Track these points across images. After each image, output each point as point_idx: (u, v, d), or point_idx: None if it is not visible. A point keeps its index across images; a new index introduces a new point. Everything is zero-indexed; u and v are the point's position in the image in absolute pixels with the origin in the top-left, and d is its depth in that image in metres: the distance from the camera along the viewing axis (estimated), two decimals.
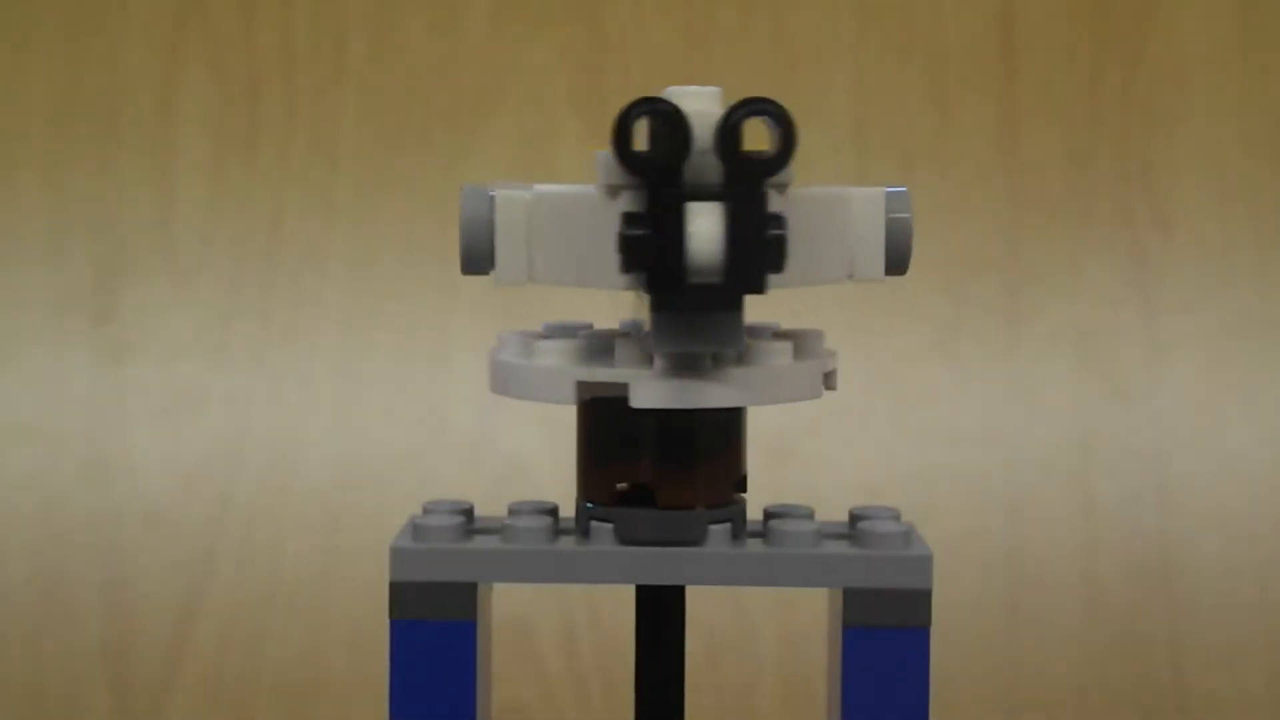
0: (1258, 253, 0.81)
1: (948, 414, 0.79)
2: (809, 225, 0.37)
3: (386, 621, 0.39)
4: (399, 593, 0.38)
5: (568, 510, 0.41)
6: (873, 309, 0.80)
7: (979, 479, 0.79)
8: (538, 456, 0.78)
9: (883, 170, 0.81)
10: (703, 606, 0.72)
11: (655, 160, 0.36)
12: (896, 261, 0.38)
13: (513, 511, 0.40)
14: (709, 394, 0.37)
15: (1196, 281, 0.81)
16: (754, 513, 0.40)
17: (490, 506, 0.44)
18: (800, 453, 0.78)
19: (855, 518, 0.40)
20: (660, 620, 0.41)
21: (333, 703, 0.75)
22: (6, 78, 0.81)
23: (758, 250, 0.36)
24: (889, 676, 0.38)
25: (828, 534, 0.40)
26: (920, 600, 0.38)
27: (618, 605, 0.74)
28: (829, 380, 0.39)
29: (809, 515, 0.40)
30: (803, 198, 0.37)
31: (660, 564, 0.38)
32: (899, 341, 0.80)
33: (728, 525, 0.39)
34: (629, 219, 0.36)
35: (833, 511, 0.42)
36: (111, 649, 0.76)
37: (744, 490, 0.40)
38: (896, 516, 0.40)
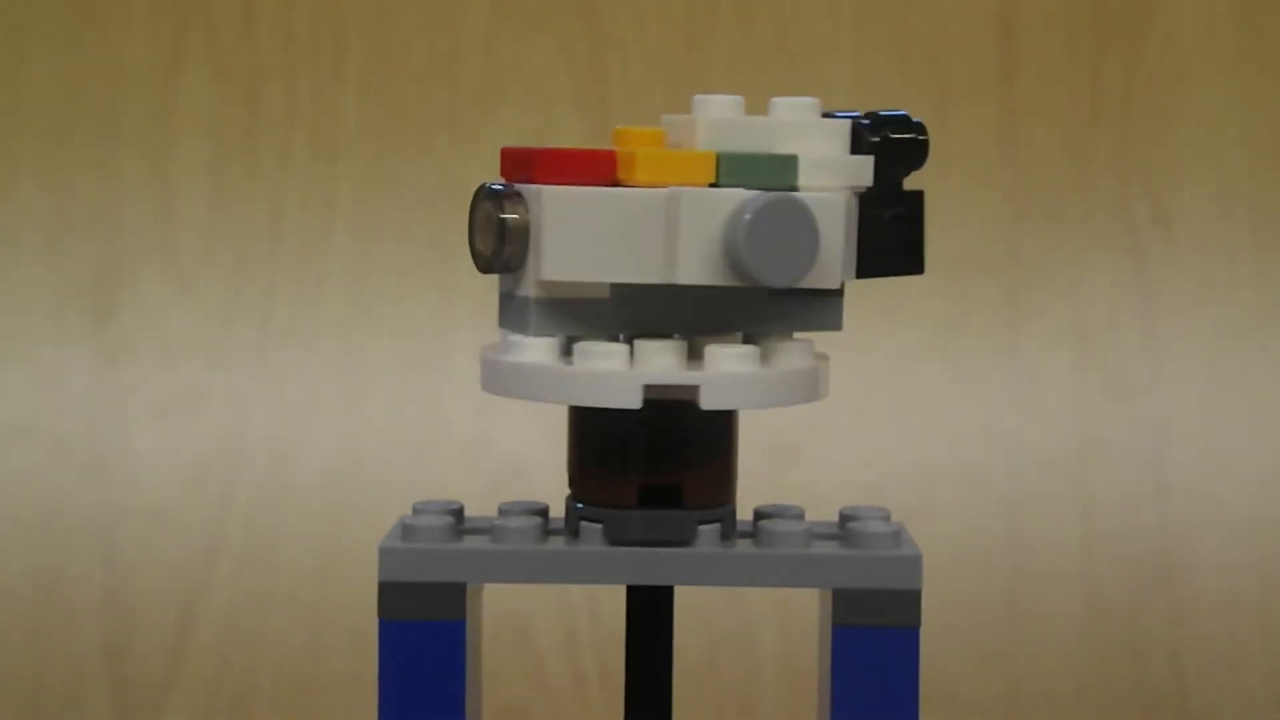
0: (1258, 253, 0.81)
1: (948, 414, 0.79)
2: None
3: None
4: (388, 593, 0.38)
5: (561, 510, 0.41)
6: (873, 309, 0.80)
7: (979, 479, 0.79)
8: (537, 457, 0.78)
9: None
10: (702, 605, 0.72)
11: None
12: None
13: (502, 512, 0.40)
14: (771, 394, 0.37)
15: (1196, 281, 0.80)
16: (745, 513, 0.40)
17: (489, 506, 0.44)
18: (800, 453, 0.78)
19: (845, 518, 0.40)
20: (650, 620, 0.41)
21: (333, 702, 0.75)
22: (6, 78, 0.81)
23: None
24: (879, 676, 0.38)
25: (818, 534, 0.40)
26: (910, 600, 0.38)
27: (617, 605, 0.73)
28: None
29: (799, 516, 0.40)
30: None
31: (649, 564, 0.38)
32: (899, 341, 0.80)
33: (717, 526, 0.39)
34: None
35: (834, 512, 0.42)
36: (111, 648, 0.76)
37: (733, 490, 0.40)
38: (886, 517, 0.40)
